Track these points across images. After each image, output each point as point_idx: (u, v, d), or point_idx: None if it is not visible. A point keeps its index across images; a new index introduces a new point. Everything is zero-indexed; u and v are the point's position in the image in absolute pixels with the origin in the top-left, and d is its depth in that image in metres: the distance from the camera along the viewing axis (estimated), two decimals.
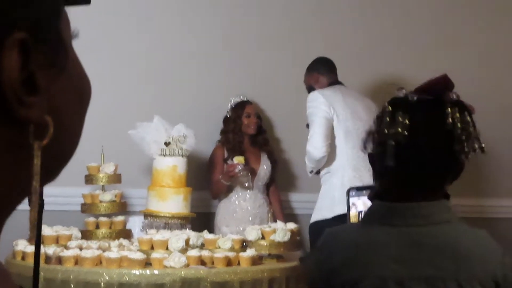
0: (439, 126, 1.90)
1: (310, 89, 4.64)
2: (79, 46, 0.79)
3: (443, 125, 1.88)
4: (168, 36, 5.18)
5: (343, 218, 4.03)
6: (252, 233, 4.01)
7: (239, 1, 5.27)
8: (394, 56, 5.27)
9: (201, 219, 4.89)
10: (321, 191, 4.45)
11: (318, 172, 4.52)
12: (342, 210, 4.08)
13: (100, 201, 4.43)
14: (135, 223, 4.58)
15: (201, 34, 5.23)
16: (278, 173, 5.14)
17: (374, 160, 2.02)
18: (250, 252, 3.88)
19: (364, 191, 2.17)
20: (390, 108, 1.91)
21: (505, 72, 5.47)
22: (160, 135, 4.50)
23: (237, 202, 4.87)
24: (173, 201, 4.44)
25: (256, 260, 3.89)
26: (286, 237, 3.99)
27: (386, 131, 1.90)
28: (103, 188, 4.49)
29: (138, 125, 4.55)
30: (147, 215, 4.50)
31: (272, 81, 5.22)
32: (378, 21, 5.34)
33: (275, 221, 4.76)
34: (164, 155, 4.50)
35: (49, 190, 3.89)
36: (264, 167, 4.98)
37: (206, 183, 5.01)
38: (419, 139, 1.90)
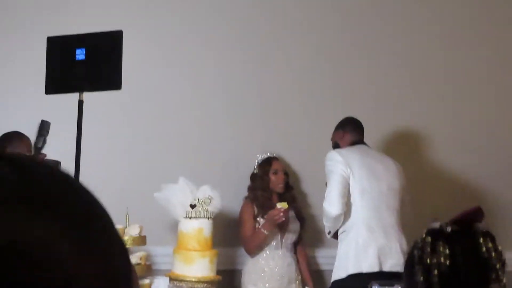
0: (476, 255, 2.07)
1: (335, 145, 4.76)
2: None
3: (479, 254, 2.06)
4: (192, 97, 5.20)
5: (356, 277, 4.25)
6: None
7: (261, 58, 5.30)
8: (411, 109, 5.43)
9: (228, 277, 4.86)
10: (338, 251, 4.51)
11: (336, 236, 4.56)
12: (355, 269, 4.31)
13: None
14: (159, 285, 4.51)
15: (225, 93, 5.26)
16: (305, 228, 5.13)
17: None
18: None
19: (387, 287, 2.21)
20: (429, 239, 2.08)
21: None
22: (185, 197, 4.50)
23: (265, 262, 4.83)
24: (199, 265, 4.42)
25: None
26: None
27: (428, 261, 2.06)
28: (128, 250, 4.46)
29: (163, 187, 4.54)
30: (172, 278, 4.46)
31: (297, 136, 5.25)
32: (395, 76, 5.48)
33: (301, 279, 4.84)
34: (190, 218, 4.48)
35: None
36: (293, 226, 4.94)
37: (234, 241, 5.00)
38: (460, 268, 2.06)
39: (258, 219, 4.87)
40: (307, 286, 4.84)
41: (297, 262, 4.98)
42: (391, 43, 5.56)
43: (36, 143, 4.17)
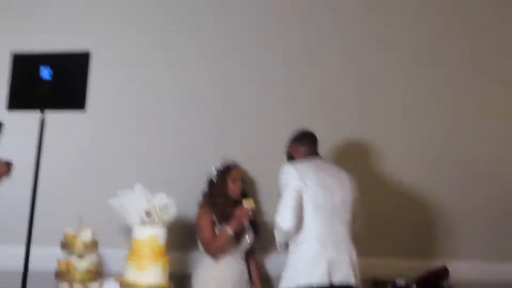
0: None
1: (289, 157, 4.81)
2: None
3: None
4: (147, 103, 5.18)
5: None
6: None
7: (221, 68, 5.33)
8: (365, 120, 5.58)
9: (179, 281, 4.84)
10: (288, 262, 4.55)
11: (286, 246, 4.59)
12: (305, 281, 4.35)
13: (76, 270, 4.38)
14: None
15: (180, 100, 5.25)
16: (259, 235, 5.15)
17: None
18: None
19: None
20: None
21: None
22: (141, 204, 4.45)
23: (218, 268, 4.86)
24: (151, 272, 4.38)
25: None
26: None
27: None
28: (79, 255, 4.43)
29: (119, 193, 4.49)
30: (124, 284, 4.42)
31: (252, 143, 5.29)
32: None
33: (252, 285, 4.92)
34: (144, 225, 4.44)
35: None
36: (247, 233, 4.98)
37: (186, 245, 5.01)
38: None
39: (217, 225, 4.88)
40: None
41: (248, 269, 5.02)
42: (343, 52, 5.62)
43: None
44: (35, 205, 3.22)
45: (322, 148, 4.94)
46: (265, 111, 5.41)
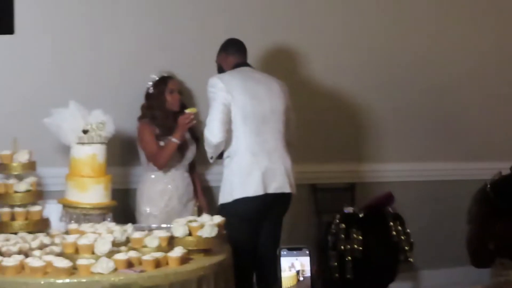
0: (386, 239, 2.22)
1: (219, 68, 4.79)
2: None
3: (389, 237, 2.22)
4: (80, 14, 5.06)
5: (242, 201, 4.41)
6: (179, 230, 3.90)
7: None
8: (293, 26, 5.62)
9: (121, 196, 4.88)
10: (223, 176, 4.60)
11: (220, 157, 4.64)
12: (241, 194, 4.44)
13: (15, 192, 4.30)
14: (51, 211, 4.41)
15: (115, 9, 5.15)
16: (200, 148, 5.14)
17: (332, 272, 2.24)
18: (178, 251, 3.76)
19: (296, 251, 2.24)
20: (343, 225, 2.23)
21: None
22: (77, 122, 4.40)
23: (164, 182, 4.89)
24: (93, 192, 4.36)
25: (185, 259, 3.79)
26: (214, 232, 3.93)
27: (342, 247, 2.21)
28: (18, 177, 4.35)
29: (53, 112, 4.43)
30: (66, 206, 4.39)
31: (189, 53, 5.25)
32: None
33: (197, 198, 4.96)
34: (83, 144, 4.40)
35: None
36: (190, 147, 4.98)
37: (126, 160, 5.06)
38: (371, 252, 2.21)
39: (161, 139, 4.87)
40: (203, 209, 4.91)
41: (193, 182, 5.06)
42: None
43: None
44: None
45: (251, 56, 4.92)
46: (198, 21, 5.36)
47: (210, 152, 4.54)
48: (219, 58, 4.82)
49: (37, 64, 4.93)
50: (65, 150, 4.57)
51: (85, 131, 4.38)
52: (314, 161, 5.69)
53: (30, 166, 4.37)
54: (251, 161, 4.53)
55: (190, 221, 3.98)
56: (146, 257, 3.66)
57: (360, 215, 2.26)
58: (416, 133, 6.08)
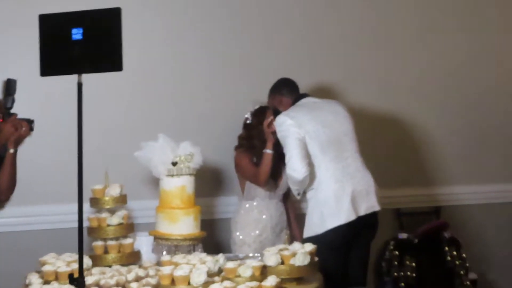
0: (441, 264, 2.01)
1: (275, 111, 4.80)
2: None
3: (444, 262, 1.98)
4: (166, 51, 5.21)
5: (334, 231, 4.39)
6: (271, 259, 3.96)
7: (237, 16, 5.39)
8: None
9: (208, 226, 4.94)
10: (309, 208, 4.61)
11: (305, 192, 4.67)
12: (333, 224, 4.43)
13: (108, 225, 4.42)
14: (142, 243, 4.52)
15: (201, 40, 5.29)
16: None
17: None
18: (272, 281, 3.81)
19: None
20: (397, 252, 2.02)
21: None
22: (166, 154, 4.48)
23: (259, 211, 4.95)
24: (183, 223, 4.43)
25: (279, 287, 3.84)
26: (306, 261, 3.98)
27: (396, 274, 2.02)
28: (110, 210, 4.48)
29: (143, 146, 4.52)
30: (157, 237, 4.47)
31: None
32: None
33: (290, 230, 4.98)
34: (172, 176, 4.48)
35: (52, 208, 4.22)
36: (285, 177, 4.97)
37: (213, 191, 5.20)
38: (426, 278, 2.02)
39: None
40: (295, 239, 4.90)
41: (286, 211, 5.10)
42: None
43: (5, 103, 4.16)
44: (82, 166, 3.20)
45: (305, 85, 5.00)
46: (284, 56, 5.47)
47: (296, 189, 4.57)
48: (273, 100, 4.87)
49: (127, 98, 5.08)
50: (155, 182, 4.66)
51: (174, 163, 4.45)
52: (397, 185, 5.69)
53: (122, 200, 4.47)
54: (337, 188, 4.54)
55: (282, 250, 4.03)
56: (241, 287, 3.73)
57: (415, 241, 2.18)
58: (495, 154, 6.08)
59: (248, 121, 5.01)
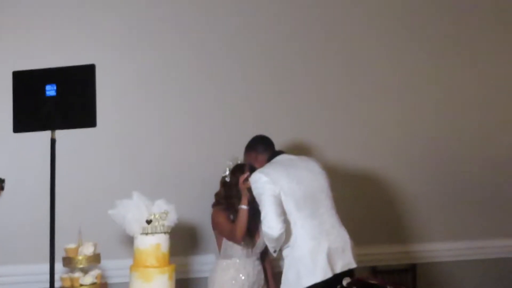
0: None
1: (251, 167, 4.77)
2: None
3: None
4: (141, 106, 5.18)
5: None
6: None
7: (217, 68, 5.37)
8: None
9: (183, 286, 4.90)
10: (285, 266, 4.56)
11: (281, 250, 4.62)
12: (308, 282, 4.39)
13: (81, 285, 4.38)
14: None
15: (177, 98, 5.27)
16: None
17: None
18: None
19: None
20: None
21: None
22: (141, 212, 4.44)
23: (236, 270, 4.88)
24: (158, 282, 4.39)
25: None
26: None
27: None
28: (83, 270, 4.44)
29: (117, 204, 4.47)
30: None
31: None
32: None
33: (267, 285, 4.97)
34: (146, 234, 4.44)
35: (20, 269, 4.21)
36: (261, 234, 4.90)
37: (189, 250, 5.10)
38: None
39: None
40: None
41: (264, 270, 5.05)
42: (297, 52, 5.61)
43: None
44: (54, 225, 3.18)
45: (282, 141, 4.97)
46: (245, 113, 5.45)
47: (272, 246, 4.51)
48: (248, 157, 4.84)
49: (101, 154, 5.01)
50: (129, 241, 4.61)
51: (148, 221, 4.41)
52: (373, 242, 5.65)
53: (95, 259, 4.44)
54: (313, 246, 4.50)
55: None
56: None
57: None
58: (472, 209, 6.02)
59: (226, 179, 4.96)
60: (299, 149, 5.40)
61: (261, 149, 4.80)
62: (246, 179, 4.68)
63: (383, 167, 5.80)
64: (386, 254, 5.69)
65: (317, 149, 5.58)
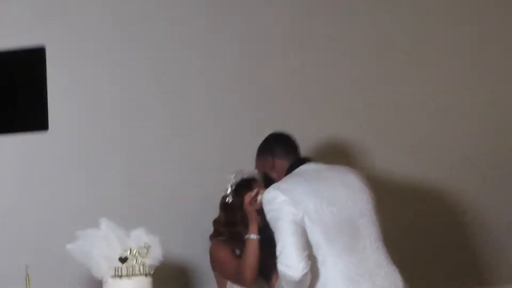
0: None
1: (265, 178, 4.25)
2: None
3: None
4: (109, 105, 4.70)
5: None
6: None
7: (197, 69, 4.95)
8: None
9: None
10: None
11: None
12: None
13: None
14: None
15: (157, 95, 4.80)
16: None
17: None
18: None
19: None
20: None
21: None
22: (111, 247, 3.96)
23: None
24: None
25: None
26: None
27: None
28: None
29: (79, 235, 3.96)
30: None
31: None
32: None
33: None
34: (120, 276, 3.93)
35: None
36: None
37: None
38: None
39: None
40: None
41: None
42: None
43: None
44: None
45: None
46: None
47: None
48: (261, 164, 4.30)
49: (55, 169, 4.56)
50: (96, 286, 4.13)
51: (123, 260, 3.94)
52: (439, 284, 5.23)
53: None
54: None
55: None
56: None
57: None
58: None
59: (228, 200, 4.41)
60: (330, 155, 4.97)
61: (281, 153, 4.21)
62: (255, 198, 4.15)
63: (456, 182, 5.38)
64: None
65: (358, 153, 5.20)
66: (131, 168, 4.72)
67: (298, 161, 4.17)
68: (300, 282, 3.84)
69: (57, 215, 4.54)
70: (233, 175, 4.46)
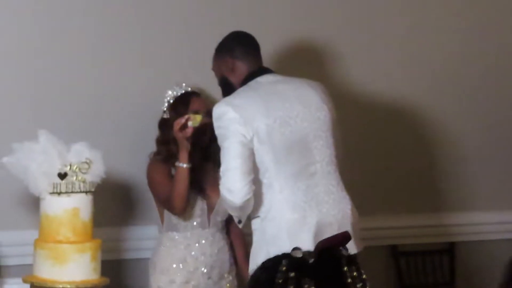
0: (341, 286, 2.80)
1: (223, 81, 3.97)
2: None
3: (344, 284, 2.79)
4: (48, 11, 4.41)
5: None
6: None
7: None
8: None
9: (114, 270, 4.35)
10: (253, 244, 3.84)
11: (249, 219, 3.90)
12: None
13: None
14: None
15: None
16: None
17: None
18: None
19: None
20: (293, 274, 2.83)
21: None
22: (51, 161, 3.88)
23: (185, 247, 4.27)
24: (75, 264, 3.86)
25: None
26: None
27: None
28: None
29: (15, 148, 3.89)
30: (36, 286, 3.85)
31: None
32: None
33: (237, 272, 4.42)
34: (59, 193, 3.87)
35: None
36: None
37: (121, 219, 4.54)
38: None
39: None
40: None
41: (231, 246, 4.40)
42: None
43: None
44: None
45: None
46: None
47: (235, 216, 3.80)
48: (220, 65, 3.98)
49: None
50: (33, 204, 4.14)
51: (62, 175, 3.87)
52: (392, 211, 5.08)
53: None
54: (295, 220, 3.71)
55: None
56: None
57: (311, 261, 2.55)
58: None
59: (164, 116, 4.26)
60: (298, 59, 4.78)
61: (241, 53, 3.91)
62: (185, 125, 3.98)
63: (423, 102, 5.21)
64: (412, 228, 5.12)
65: (319, 62, 4.94)
66: (76, 77, 4.48)
67: (257, 70, 3.90)
68: (241, 207, 3.69)
69: None
70: (173, 89, 4.29)
